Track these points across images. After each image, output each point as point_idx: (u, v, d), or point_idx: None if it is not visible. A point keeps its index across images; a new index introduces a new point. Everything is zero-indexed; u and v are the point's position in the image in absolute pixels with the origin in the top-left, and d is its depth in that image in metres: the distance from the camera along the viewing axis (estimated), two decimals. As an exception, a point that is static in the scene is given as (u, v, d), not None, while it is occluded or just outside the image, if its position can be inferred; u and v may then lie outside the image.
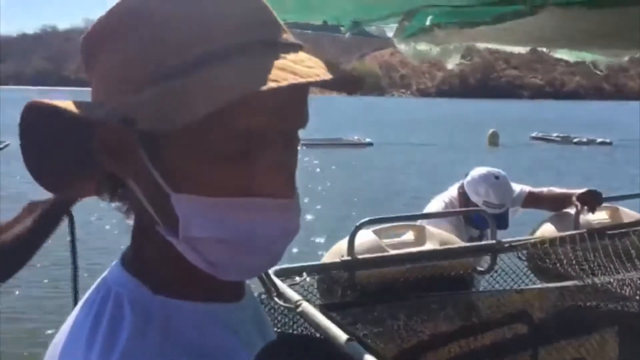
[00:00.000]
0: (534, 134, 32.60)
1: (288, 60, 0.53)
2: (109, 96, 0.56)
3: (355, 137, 27.43)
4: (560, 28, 1.56)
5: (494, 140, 27.44)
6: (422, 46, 1.89)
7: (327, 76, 0.53)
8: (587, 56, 2.03)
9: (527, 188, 3.16)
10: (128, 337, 0.55)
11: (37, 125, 0.57)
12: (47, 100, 0.54)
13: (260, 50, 0.54)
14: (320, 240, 8.15)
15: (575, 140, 29.26)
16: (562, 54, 2.06)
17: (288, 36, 0.59)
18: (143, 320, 0.56)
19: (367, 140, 26.64)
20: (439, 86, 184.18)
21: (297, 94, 0.57)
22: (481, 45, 1.98)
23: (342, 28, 1.95)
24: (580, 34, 1.71)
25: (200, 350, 0.57)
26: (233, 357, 0.59)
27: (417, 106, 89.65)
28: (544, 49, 2.02)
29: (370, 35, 2.03)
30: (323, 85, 0.57)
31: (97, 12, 0.62)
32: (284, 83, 0.50)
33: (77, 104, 0.54)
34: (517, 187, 3.14)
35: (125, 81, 0.55)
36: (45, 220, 1.57)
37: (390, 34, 1.95)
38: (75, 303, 0.67)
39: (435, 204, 3.13)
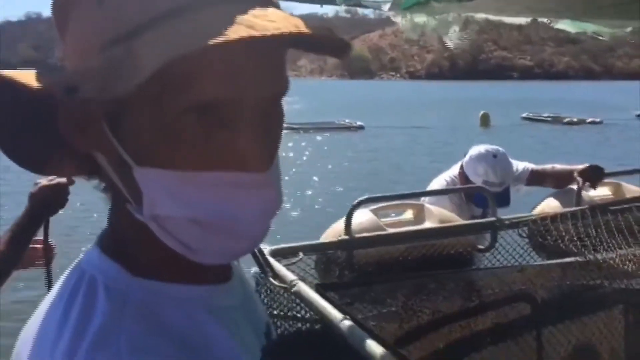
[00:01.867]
0: (524, 115, 32.62)
1: (249, 14, 0.46)
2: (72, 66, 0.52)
3: (347, 121, 27.31)
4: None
5: (485, 121, 27.50)
6: (420, 18, 1.84)
7: (293, 30, 0.45)
8: (589, 27, 1.98)
9: (531, 165, 3.14)
10: (101, 322, 0.50)
11: None
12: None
13: (219, 5, 0.47)
14: (318, 220, 8.10)
15: (566, 120, 29.31)
16: (564, 25, 2.01)
17: None
18: (119, 304, 0.52)
19: (359, 123, 26.55)
20: (429, 69, 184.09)
21: (261, 53, 0.49)
22: (480, 16, 1.93)
23: (337, 0, 1.90)
24: (582, 4, 1.66)
25: (179, 334, 0.53)
26: (212, 341, 0.56)
27: (407, 89, 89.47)
28: (545, 20, 1.97)
29: (364, 7, 1.97)
30: (298, 44, 0.50)
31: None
32: (233, 37, 0.43)
33: (38, 75, 0.48)
34: (520, 165, 3.12)
35: (86, 48, 0.50)
36: (21, 234, 1.57)
37: (385, 8, 1.90)
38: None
39: (437, 183, 3.10)
